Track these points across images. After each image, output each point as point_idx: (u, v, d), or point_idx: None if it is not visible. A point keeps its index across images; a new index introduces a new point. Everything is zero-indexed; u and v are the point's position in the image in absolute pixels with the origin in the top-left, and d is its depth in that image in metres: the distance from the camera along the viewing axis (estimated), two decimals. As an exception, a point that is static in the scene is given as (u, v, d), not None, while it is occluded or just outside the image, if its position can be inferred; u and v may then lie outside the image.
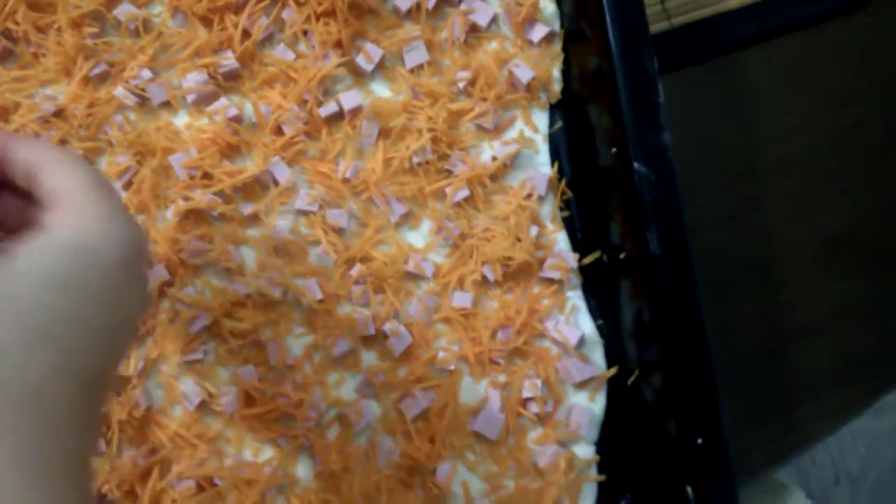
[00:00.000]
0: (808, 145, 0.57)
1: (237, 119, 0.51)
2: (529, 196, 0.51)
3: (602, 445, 0.50)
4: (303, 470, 0.48)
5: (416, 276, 0.50)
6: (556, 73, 0.53)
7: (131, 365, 0.48)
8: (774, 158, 0.57)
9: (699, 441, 0.44)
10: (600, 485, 0.50)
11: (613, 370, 0.50)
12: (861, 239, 0.56)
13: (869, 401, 0.55)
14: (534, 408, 0.49)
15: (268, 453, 0.48)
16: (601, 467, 0.50)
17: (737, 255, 0.55)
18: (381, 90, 0.52)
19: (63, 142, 0.50)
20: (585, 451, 0.50)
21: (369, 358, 0.50)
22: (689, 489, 0.44)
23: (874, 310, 0.56)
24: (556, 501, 0.49)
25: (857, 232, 0.56)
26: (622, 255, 0.48)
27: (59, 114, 0.51)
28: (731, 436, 0.52)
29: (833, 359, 0.55)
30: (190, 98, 0.51)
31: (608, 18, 0.47)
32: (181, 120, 0.51)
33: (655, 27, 0.57)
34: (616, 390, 0.51)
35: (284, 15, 0.52)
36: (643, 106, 0.46)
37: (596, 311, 0.52)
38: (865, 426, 1.36)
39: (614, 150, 0.47)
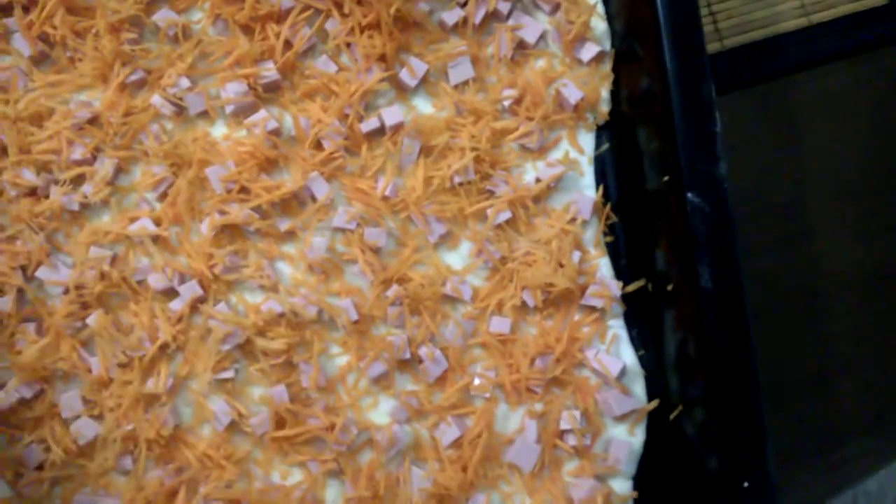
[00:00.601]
0: (859, 175, 0.55)
1: (276, 132, 0.49)
2: (573, 220, 0.50)
3: (640, 481, 0.49)
4: (332, 495, 0.47)
5: (453, 299, 0.49)
6: (605, 93, 0.51)
7: (160, 381, 0.47)
8: (824, 187, 0.55)
9: (745, 484, 0.42)
10: (637, 521, 0.48)
11: (655, 403, 0.49)
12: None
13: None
14: (571, 440, 0.48)
15: (297, 476, 0.47)
16: (637, 503, 0.48)
17: (782, 286, 0.53)
18: (424, 106, 0.51)
19: (97, 150, 0.49)
20: (623, 487, 0.48)
21: (403, 382, 0.48)
22: (734, 533, 0.43)
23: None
24: (592, 537, 0.47)
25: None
26: (669, 287, 0.47)
27: (94, 121, 0.50)
28: (774, 473, 0.50)
29: (878, 396, 0.53)
30: (228, 109, 0.50)
31: (664, 39, 0.45)
32: (219, 131, 0.50)
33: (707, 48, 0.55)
34: (656, 424, 0.49)
35: (328, 26, 0.51)
36: (699, 134, 0.44)
37: (637, 341, 0.50)
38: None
39: (666, 177, 0.45)
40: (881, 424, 0.54)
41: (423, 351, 0.48)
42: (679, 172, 0.44)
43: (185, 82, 0.50)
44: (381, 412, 0.48)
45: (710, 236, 0.43)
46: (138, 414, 0.46)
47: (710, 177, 0.43)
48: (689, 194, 0.43)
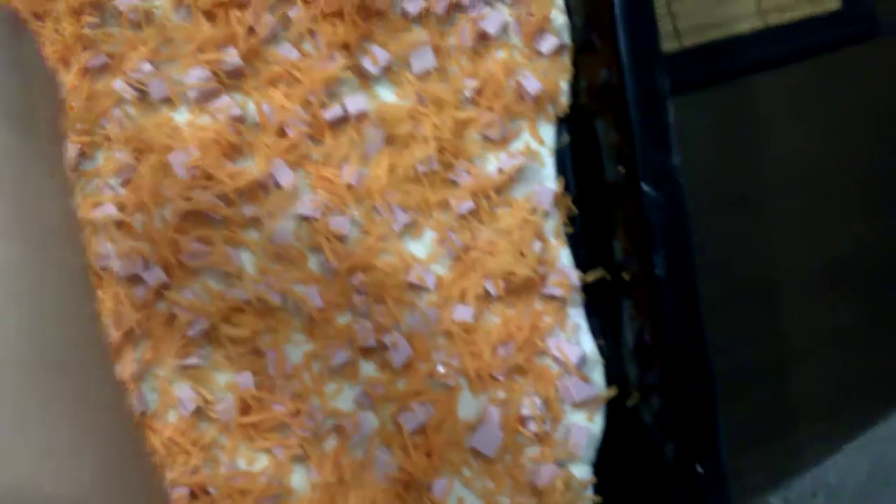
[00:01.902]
0: (811, 169, 0.57)
1: (240, 118, 0.50)
2: (534, 211, 0.51)
3: (599, 466, 0.50)
4: (298, 480, 0.47)
5: (417, 288, 0.50)
6: (565, 85, 0.52)
7: (126, 367, 0.47)
8: (778, 181, 0.56)
9: (699, 469, 0.44)
10: (596, 505, 0.50)
11: (613, 391, 0.50)
12: (862, 263, 0.56)
13: (868, 425, 0.56)
14: (532, 426, 0.49)
15: (262, 462, 0.47)
16: (599, 489, 0.50)
17: (737, 277, 0.55)
18: (387, 95, 0.51)
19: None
20: (583, 472, 0.49)
21: (368, 369, 0.49)
22: (685, 515, 0.44)
23: (874, 334, 0.56)
24: (551, 520, 0.48)
25: (858, 255, 0.56)
26: (626, 276, 0.48)
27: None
28: (727, 458, 0.52)
29: (832, 382, 0.55)
30: (191, 94, 0.49)
31: (620, 31, 0.46)
32: (182, 117, 0.50)
33: (666, 46, 0.56)
34: (614, 411, 0.50)
35: (291, 13, 0.51)
36: (653, 125, 0.45)
37: (597, 330, 0.51)
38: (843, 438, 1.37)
39: (622, 168, 0.46)
40: (832, 412, 0.56)
41: (388, 339, 0.48)
42: (634, 163, 0.45)
43: (147, 67, 0.50)
44: (345, 399, 0.48)
45: (665, 226, 0.44)
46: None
47: (664, 168, 0.44)
48: (644, 184, 0.44)
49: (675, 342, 0.45)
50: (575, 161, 0.53)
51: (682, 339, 0.45)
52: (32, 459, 0.23)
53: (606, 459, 0.50)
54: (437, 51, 0.51)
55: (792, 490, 1.39)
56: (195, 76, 0.49)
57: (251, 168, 0.49)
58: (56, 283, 0.26)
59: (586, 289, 0.51)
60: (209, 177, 0.48)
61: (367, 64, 0.51)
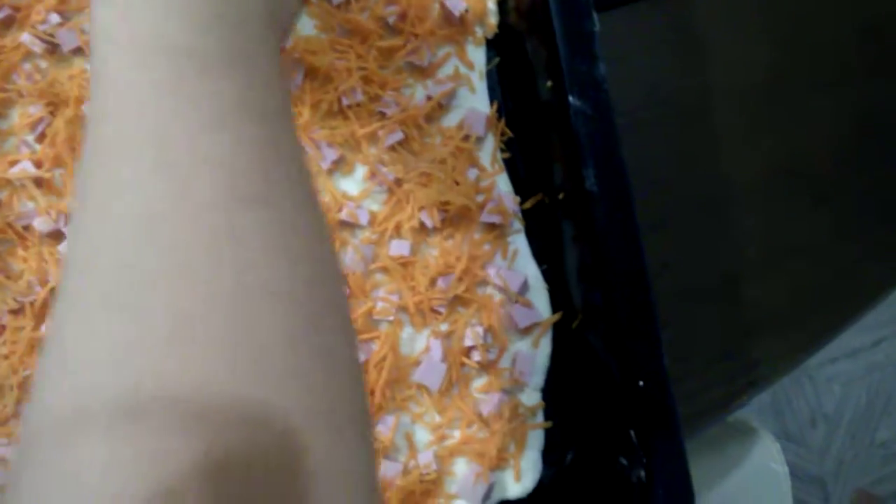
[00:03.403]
0: (756, 77, 0.55)
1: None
2: (467, 137, 0.49)
3: (549, 392, 0.49)
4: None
5: (350, 225, 0.48)
6: (492, 5, 0.50)
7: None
8: (724, 89, 0.54)
9: (640, 384, 0.43)
10: (548, 431, 0.49)
11: (557, 316, 0.49)
12: (811, 174, 0.55)
13: (824, 338, 0.54)
14: (477, 356, 0.48)
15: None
16: (548, 414, 0.49)
17: (686, 190, 0.53)
18: (307, 28, 0.49)
19: (-31, 93, 0.47)
20: (531, 398, 0.48)
21: (305, 311, 0.48)
22: (632, 433, 0.43)
23: (827, 243, 0.54)
24: (502, 449, 0.48)
25: (806, 167, 0.55)
26: (561, 196, 0.46)
27: (-36, 64, 0.48)
28: (683, 377, 0.51)
29: (786, 294, 0.54)
30: (103, 43, 0.48)
31: (542, -56, 0.44)
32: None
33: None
34: (563, 337, 0.49)
35: (201, -50, 0.48)
36: (577, 35, 0.43)
37: (540, 256, 0.50)
38: (840, 368, 1.37)
39: (550, 83, 0.45)
40: (788, 326, 0.54)
41: (323, 278, 0.47)
42: (561, 77, 0.43)
43: (55, 18, 0.48)
44: (284, 342, 0.47)
45: (593, 138, 0.43)
46: (34, 359, 0.45)
47: (590, 78, 0.43)
48: (571, 97, 0.43)
49: (611, 257, 0.43)
50: (508, 83, 0.51)
51: (618, 254, 0.43)
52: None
53: (557, 385, 0.49)
54: (358, -21, 0.49)
55: (790, 422, 1.38)
56: None
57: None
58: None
59: (527, 214, 0.50)
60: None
61: (285, -2, 0.49)
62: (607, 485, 0.45)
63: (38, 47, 0.48)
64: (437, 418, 0.48)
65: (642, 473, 0.43)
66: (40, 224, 0.46)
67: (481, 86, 0.50)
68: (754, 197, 0.54)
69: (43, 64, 0.48)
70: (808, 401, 1.38)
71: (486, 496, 0.47)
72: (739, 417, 0.87)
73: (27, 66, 0.48)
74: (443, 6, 0.49)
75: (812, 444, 1.37)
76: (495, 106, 0.50)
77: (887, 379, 1.40)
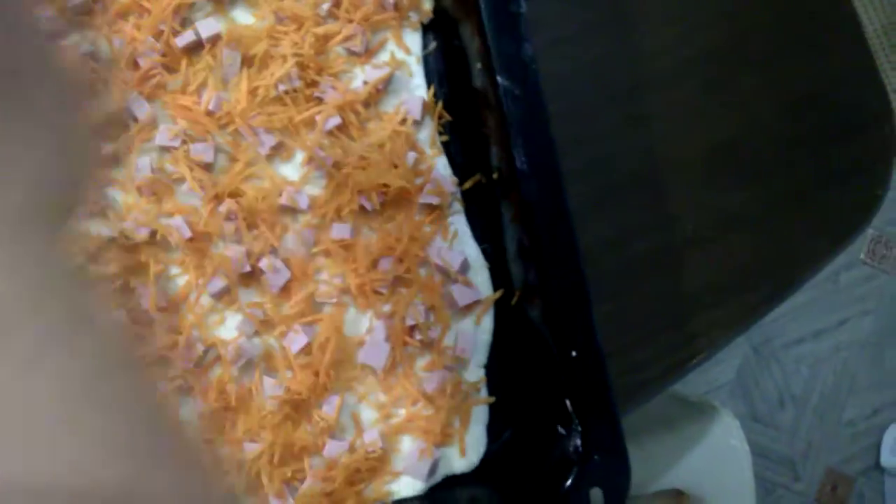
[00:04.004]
0: (690, 56, 0.56)
1: (93, 56, 0.48)
2: (404, 121, 0.50)
3: (492, 368, 0.50)
4: (185, 412, 0.47)
5: (291, 210, 0.49)
6: (426, -10, 0.51)
7: (-4, 317, 0.46)
8: (657, 72, 0.56)
9: (573, 353, 0.44)
10: (491, 406, 0.50)
11: (497, 293, 0.50)
12: (746, 148, 0.56)
13: (760, 310, 0.56)
14: (419, 335, 0.49)
15: (149, 398, 0.47)
16: (492, 389, 0.50)
17: (622, 170, 0.55)
18: (244, 17, 0.50)
19: None
20: (474, 375, 0.49)
21: (248, 296, 0.49)
22: (568, 402, 0.44)
23: (761, 217, 0.56)
24: (447, 425, 0.49)
25: (741, 141, 0.56)
26: (495, 176, 0.47)
27: None
28: (626, 350, 0.52)
29: (723, 268, 0.55)
30: (39, 35, 0.48)
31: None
32: (32, 59, 0.49)
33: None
34: (505, 314, 0.50)
35: (134, -59, 0.49)
36: (504, 16, 0.44)
37: (480, 236, 0.51)
38: (806, 349, 1.40)
39: (479, 65, 0.46)
40: (727, 296, 0.56)
41: (264, 263, 0.48)
42: (489, 58, 0.44)
43: None
44: (228, 328, 0.48)
45: (522, 118, 0.44)
46: None
47: (517, 59, 0.44)
48: (500, 78, 0.44)
49: (543, 234, 0.44)
50: (445, 68, 0.52)
51: (550, 231, 0.44)
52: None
53: (499, 361, 0.50)
54: (292, -32, 0.50)
55: (759, 403, 1.40)
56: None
57: (106, 104, 0.48)
58: None
59: (468, 196, 0.51)
60: (63, 116, 0.47)
61: (221, -12, 0.49)
62: (548, 455, 0.46)
63: None
64: (382, 397, 0.49)
65: (578, 441, 0.44)
66: None
67: (418, 70, 0.51)
68: (688, 174, 0.55)
69: None
70: (776, 382, 1.40)
71: (432, 472, 0.48)
72: (700, 397, 0.89)
73: None
74: (377, -8, 0.50)
75: (781, 425, 1.39)
76: (432, 90, 0.51)
77: (852, 359, 1.42)
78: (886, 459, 1.37)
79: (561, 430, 0.46)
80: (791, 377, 1.41)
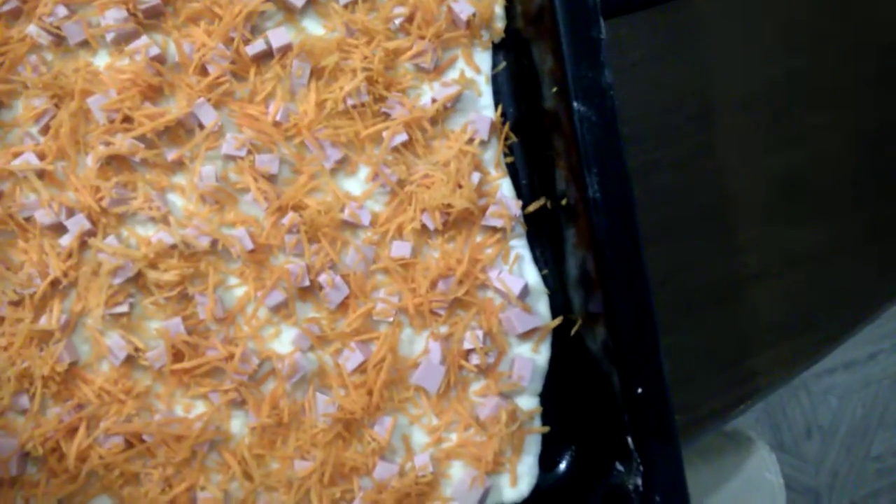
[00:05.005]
0: (762, 86, 0.55)
1: (160, 59, 0.48)
2: (471, 141, 0.49)
3: (547, 397, 0.49)
4: (237, 425, 0.47)
5: (352, 225, 0.48)
6: (499, 9, 0.50)
7: (53, 318, 0.46)
8: (728, 100, 0.54)
9: (639, 391, 0.43)
10: (545, 436, 0.49)
11: (557, 321, 0.49)
12: (815, 182, 0.55)
13: (822, 350, 0.54)
14: (475, 359, 0.48)
15: (200, 409, 0.47)
16: (546, 419, 0.49)
17: (689, 199, 0.54)
18: (314, 27, 0.49)
19: (-26, 84, 0.47)
20: (528, 403, 0.48)
21: (305, 310, 0.48)
22: (629, 439, 0.43)
23: (826, 256, 0.54)
24: (499, 453, 0.48)
25: (810, 175, 0.55)
26: (564, 202, 0.46)
27: (-30, 54, 0.47)
28: (682, 385, 0.51)
29: (785, 306, 0.54)
30: (109, 37, 0.48)
31: (551, -50, 0.44)
32: (101, 60, 0.48)
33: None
34: (562, 342, 0.49)
35: (210, -53, 0.49)
36: (584, 42, 0.43)
37: (541, 261, 0.50)
38: (837, 380, 1.37)
39: (555, 89, 0.45)
40: (790, 334, 0.54)
41: (324, 278, 0.47)
42: (566, 83, 0.43)
43: (62, 10, 0.48)
44: (283, 341, 0.47)
45: (597, 145, 0.43)
46: (32, 351, 0.45)
47: (595, 84, 0.43)
48: (576, 104, 0.43)
49: (612, 264, 0.43)
50: (513, 88, 0.51)
51: (619, 261, 0.43)
52: None
53: (555, 390, 0.49)
54: (366, -20, 0.49)
55: (786, 433, 1.38)
56: (112, 17, 0.47)
57: (173, 109, 0.47)
58: None
59: (529, 219, 0.50)
60: (129, 120, 0.47)
61: (292, -4, 0.49)
62: (604, 491, 0.45)
63: (44, 39, 0.48)
64: (435, 421, 0.48)
65: (639, 481, 0.43)
66: (42, 216, 0.46)
67: (487, 90, 0.50)
68: (754, 208, 0.54)
69: (49, 56, 0.48)
70: (804, 412, 1.38)
71: (482, 500, 0.47)
72: (736, 428, 0.87)
73: (33, 59, 0.48)
74: (450, 10, 0.49)
75: (807, 455, 1.37)
76: (500, 110, 0.50)
77: (883, 392, 1.40)
78: (912, 496, 1.34)
79: (619, 466, 0.44)
80: (819, 407, 1.38)
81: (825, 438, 1.37)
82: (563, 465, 0.49)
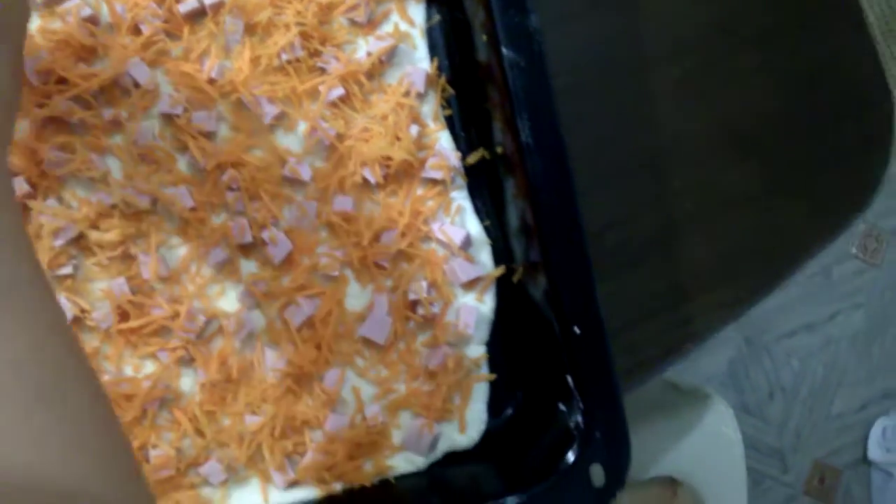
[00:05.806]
0: (695, 32, 0.56)
1: (92, 20, 0.48)
2: (408, 93, 0.49)
3: (494, 345, 0.50)
4: (187, 383, 0.47)
5: (293, 181, 0.49)
6: (431, -38, 0.51)
7: (-7, 284, 0.45)
8: (661, 48, 0.55)
9: (576, 330, 0.44)
10: (493, 383, 0.50)
11: (500, 270, 0.50)
12: (747, 125, 0.56)
13: (759, 293, 0.56)
14: (421, 310, 0.48)
15: (149, 368, 0.47)
16: (493, 366, 0.50)
17: (626, 149, 0.54)
18: (247, -15, 0.49)
19: None
20: (475, 351, 0.49)
21: (249, 267, 0.48)
22: (569, 379, 0.44)
23: (760, 198, 0.56)
24: (448, 401, 0.48)
25: (743, 118, 0.56)
26: (499, 150, 0.47)
27: None
28: (622, 331, 0.52)
29: (721, 249, 0.55)
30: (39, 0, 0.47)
31: None
32: (32, 24, 0.48)
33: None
34: (507, 291, 0.50)
35: None
36: (511, -12, 0.44)
37: (483, 212, 0.51)
38: (798, 342, 1.40)
39: (484, 38, 0.45)
40: (722, 281, 0.56)
41: (266, 234, 0.47)
42: (495, 30, 0.44)
43: None
44: (229, 299, 0.48)
45: (527, 90, 0.43)
46: None
47: (523, 29, 0.43)
48: (505, 49, 0.43)
49: (547, 210, 0.44)
50: (448, 42, 0.51)
51: (554, 207, 0.44)
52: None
53: (501, 338, 0.50)
54: (297, -64, 0.49)
55: (749, 395, 1.41)
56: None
57: (107, 69, 0.47)
58: None
59: (470, 172, 0.51)
60: (64, 81, 0.47)
61: (225, -45, 0.49)
62: (548, 431, 0.46)
63: None
64: (384, 372, 0.48)
65: (580, 418, 0.44)
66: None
67: (422, 43, 0.51)
68: (688, 154, 0.55)
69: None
70: (766, 375, 1.41)
71: (432, 447, 0.48)
72: (695, 385, 0.89)
73: None
74: (383, -37, 0.49)
75: (771, 417, 1.40)
76: (436, 63, 0.50)
77: (842, 352, 1.43)
78: (873, 453, 1.38)
79: (562, 406, 0.45)
80: (782, 370, 1.41)
81: (788, 400, 1.40)
82: (510, 410, 0.50)
